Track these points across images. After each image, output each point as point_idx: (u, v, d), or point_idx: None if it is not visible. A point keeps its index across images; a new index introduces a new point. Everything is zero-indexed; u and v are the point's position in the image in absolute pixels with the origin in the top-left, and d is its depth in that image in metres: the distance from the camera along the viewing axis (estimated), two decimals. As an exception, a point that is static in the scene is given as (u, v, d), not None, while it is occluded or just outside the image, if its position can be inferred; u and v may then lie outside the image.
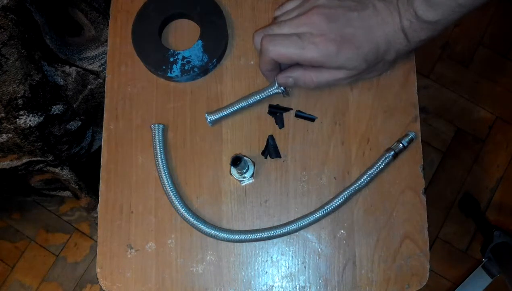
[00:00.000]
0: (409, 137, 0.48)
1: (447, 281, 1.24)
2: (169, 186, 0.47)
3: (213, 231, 0.46)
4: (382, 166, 0.47)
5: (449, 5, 0.41)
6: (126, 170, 0.50)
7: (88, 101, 0.76)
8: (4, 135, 0.68)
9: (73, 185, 0.83)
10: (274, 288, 0.47)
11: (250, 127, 0.50)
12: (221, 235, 0.46)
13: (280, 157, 0.49)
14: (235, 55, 0.52)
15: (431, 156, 1.29)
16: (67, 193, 0.92)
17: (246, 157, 0.48)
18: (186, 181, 0.49)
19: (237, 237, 0.47)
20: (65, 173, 0.79)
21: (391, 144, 0.48)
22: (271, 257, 0.48)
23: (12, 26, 0.61)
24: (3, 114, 0.64)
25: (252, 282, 0.48)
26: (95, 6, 0.75)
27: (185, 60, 0.50)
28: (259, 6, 0.53)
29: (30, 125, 0.66)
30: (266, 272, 0.48)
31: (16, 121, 0.65)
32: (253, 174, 0.48)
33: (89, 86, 0.75)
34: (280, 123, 0.50)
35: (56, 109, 0.69)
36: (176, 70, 0.50)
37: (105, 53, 0.68)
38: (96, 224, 0.49)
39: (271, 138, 0.49)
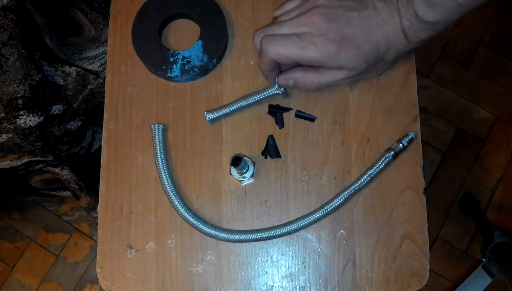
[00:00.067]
0: (409, 137, 0.48)
1: (447, 281, 1.24)
2: (169, 186, 0.47)
3: (213, 231, 0.46)
4: (382, 166, 0.47)
5: (449, 5, 0.41)
6: (126, 170, 0.50)
7: (88, 101, 0.76)
8: (4, 135, 0.68)
9: (73, 185, 0.83)
10: (274, 288, 0.47)
11: (250, 127, 0.50)
12: (221, 235, 0.46)
13: (280, 157, 0.49)
14: (235, 55, 0.52)
15: (431, 156, 1.29)
16: (67, 193, 0.92)
17: (246, 157, 0.48)
18: (186, 181, 0.49)
19: (237, 237, 0.47)
20: (65, 173, 0.79)
21: (391, 144, 0.48)
22: (271, 257, 0.48)
23: (12, 26, 0.61)
24: (3, 114, 0.64)
25: (252, 282, 0.48)
26: (95, 6, 0.75)
27: (185, 60, 0.50)
28: (259, 6, 0.53)
29: (30, 125, 0.66)
30: (266, 272, 0.48)
31: (16, 121, 0.65)
32: (253, 174, 0.48)
33: (89, 86, 0.75)
34: (280, 123, 0.50)
35: (56, 109, 0.69)
36: (176, 70, 0.50)
37: (105, 53, 0.68)
38: (96, 224, 0.49)
39: (271, 138, 0.49)
